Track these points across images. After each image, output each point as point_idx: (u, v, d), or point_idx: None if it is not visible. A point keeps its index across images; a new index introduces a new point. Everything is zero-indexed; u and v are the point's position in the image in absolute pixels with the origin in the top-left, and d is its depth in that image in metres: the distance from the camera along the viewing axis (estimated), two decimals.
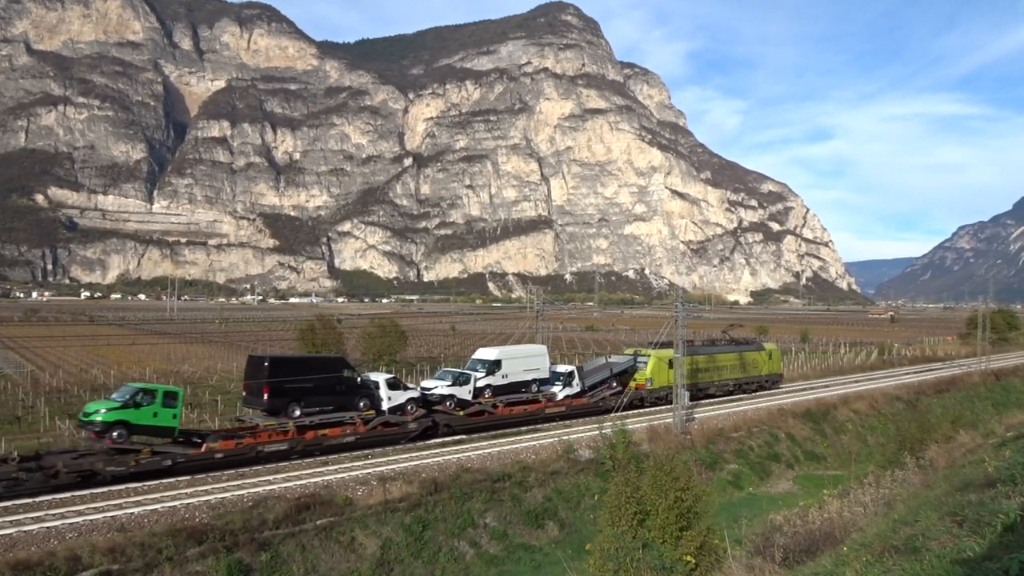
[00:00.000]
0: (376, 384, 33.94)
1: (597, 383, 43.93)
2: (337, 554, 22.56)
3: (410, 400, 34.73)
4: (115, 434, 26.06)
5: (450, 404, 36.25)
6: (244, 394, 32.68)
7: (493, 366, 39.39)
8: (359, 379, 33.77)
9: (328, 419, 31.65)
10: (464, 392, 37.13)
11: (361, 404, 32.93)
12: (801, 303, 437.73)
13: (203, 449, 28.22)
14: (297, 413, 30.73)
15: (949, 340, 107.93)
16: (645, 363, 46.39)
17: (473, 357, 41.58)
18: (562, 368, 43.77)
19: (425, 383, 38.00)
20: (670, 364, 44.74)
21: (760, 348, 56.90)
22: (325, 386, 31.89)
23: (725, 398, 51.12)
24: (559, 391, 41.88)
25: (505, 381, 39.33)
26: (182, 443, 28.40)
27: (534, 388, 40.59)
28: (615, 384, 44.54)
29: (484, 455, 32.18)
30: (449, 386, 36.94)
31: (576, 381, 42.82)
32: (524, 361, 41.11)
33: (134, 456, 26.43)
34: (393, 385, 34.54)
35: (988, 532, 8.29)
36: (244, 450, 29.19)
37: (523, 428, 38.72)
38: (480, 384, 38.03)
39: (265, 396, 30.08)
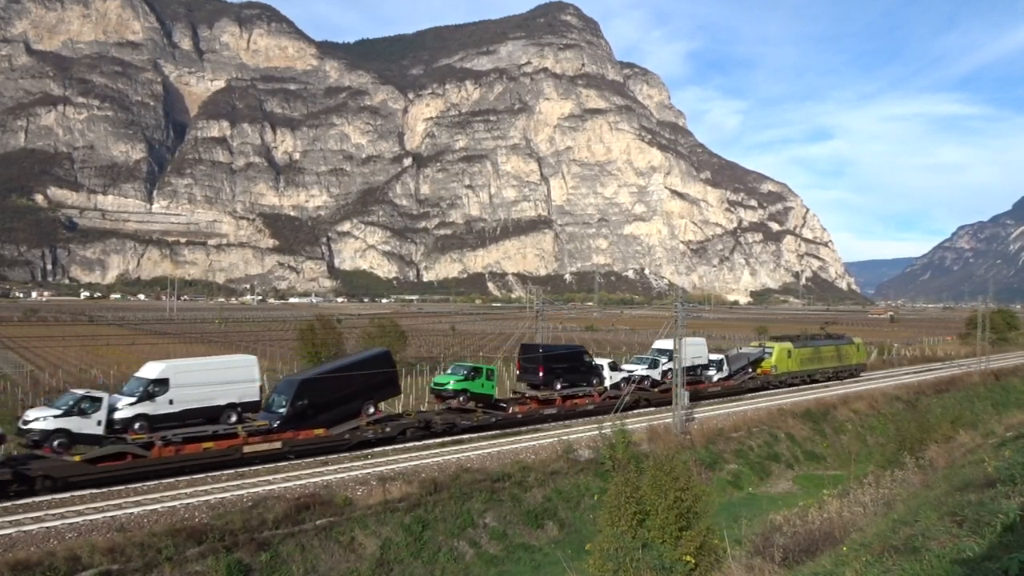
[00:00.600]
0: (601, 366, 43.61)
1: (738, 369, 53.10)
2: (337, 554, 22.57)
3: (623, 379, 44.22)
4: (460, 398, 36.58)
5: (647, 383, 45.40)
6: (518, 372, 42.65)
7: (672, 354, 47.05)
8: (594, 362, 43.40)
9: (575, 391, 41.46)
10: (656, 374, 46.71)
11: (595, 381, 42.69)
12: (801, 303, 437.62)
13: (509, 411, 38.21)
14: (558, 386, 40.63)
15: (949, 340, 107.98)
16: (771, 353, 56.34)
17: (653, 347, 51.58)
18: (715, 357, 52.92)
19: (625, 366, 47.54)
20: (789, 354, 57.18)
21: (850, 342, 66.42)
22: (574, 367, 42.30)
23: (725, 398, 51.33)
24: (714, 374, 51.49)
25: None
26: (495, 408, 38.09)
27: (698, 372, 49.03)
28: (751, 370, 54.15)
29: (484, 455, 32.19)
30: (646, 369, 46.58)
31: (725, 367, 52.31)
32: (692, 350, 48.70)
33: (473, 415, 36.51)
34: (613, 367, 44.69)
35: (988, 532, 8.29)
36: (532, 412, 39.04)
37: (523, 428, 39.07)
38: (664, 368, 47.00)
39: (541, 373, 39.91)
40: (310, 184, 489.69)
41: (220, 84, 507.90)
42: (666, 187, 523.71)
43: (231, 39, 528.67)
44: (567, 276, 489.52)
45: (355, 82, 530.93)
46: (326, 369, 34.33)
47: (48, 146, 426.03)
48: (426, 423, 35.31)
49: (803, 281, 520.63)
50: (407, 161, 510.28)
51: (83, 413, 25.72)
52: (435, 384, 38.43)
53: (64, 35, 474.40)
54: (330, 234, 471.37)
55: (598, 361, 44.17)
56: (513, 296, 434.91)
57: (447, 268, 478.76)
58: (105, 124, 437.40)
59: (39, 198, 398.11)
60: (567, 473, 30.70)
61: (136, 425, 26.78)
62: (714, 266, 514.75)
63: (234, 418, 28.96)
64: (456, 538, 25.12)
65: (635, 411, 43.70)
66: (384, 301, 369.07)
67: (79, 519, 21.67)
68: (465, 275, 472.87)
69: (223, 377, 29.31)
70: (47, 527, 20.84)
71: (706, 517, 18.84)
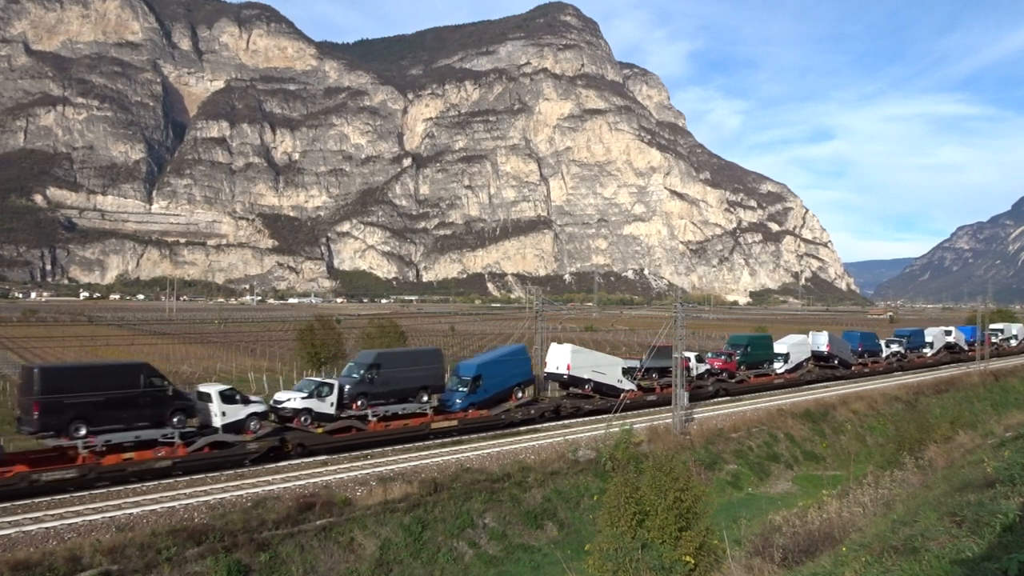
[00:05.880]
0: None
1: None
2: (336, 554, 22.56)
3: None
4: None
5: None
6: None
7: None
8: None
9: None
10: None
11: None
12: (800, 303, 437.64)
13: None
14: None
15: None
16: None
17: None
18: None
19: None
20: None
21: None
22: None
23: (724, 398, 51.33)
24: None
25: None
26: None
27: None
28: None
29: (484, 455, 32.19)
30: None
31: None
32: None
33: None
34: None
35: (987, 532, 8.29)
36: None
37: (522, 429, 39.02)
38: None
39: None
40: (309, 184, 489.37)
41: (219, 84, 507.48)
42: (665, 187, 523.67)
43: (230, 39, 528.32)
44: (566, 276, 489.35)
45: (354, 82, 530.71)
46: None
47: (47, 146, 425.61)
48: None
49: (802, 281, 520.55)
50: (406, 161, 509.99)
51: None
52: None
53: (63, 35, 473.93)
54: (329, 234, 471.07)
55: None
56: (512, 296, 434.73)
57: (446, 268, 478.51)
58: (104, 124, 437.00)
59: (38, 198, 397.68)
60: (567, 473, 30.69)
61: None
62: (713, 266, 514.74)
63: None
64: (455, 538, 25.12)
65: (634, 411, 43.51)
66: (383, 301, 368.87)
67: (78, 519, 21.67)
68: (464, 275, 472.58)
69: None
70: (46, 527, 20.84)
71: (705, 517, 18.86)
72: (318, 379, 35.33)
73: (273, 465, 29.55)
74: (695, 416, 42.83)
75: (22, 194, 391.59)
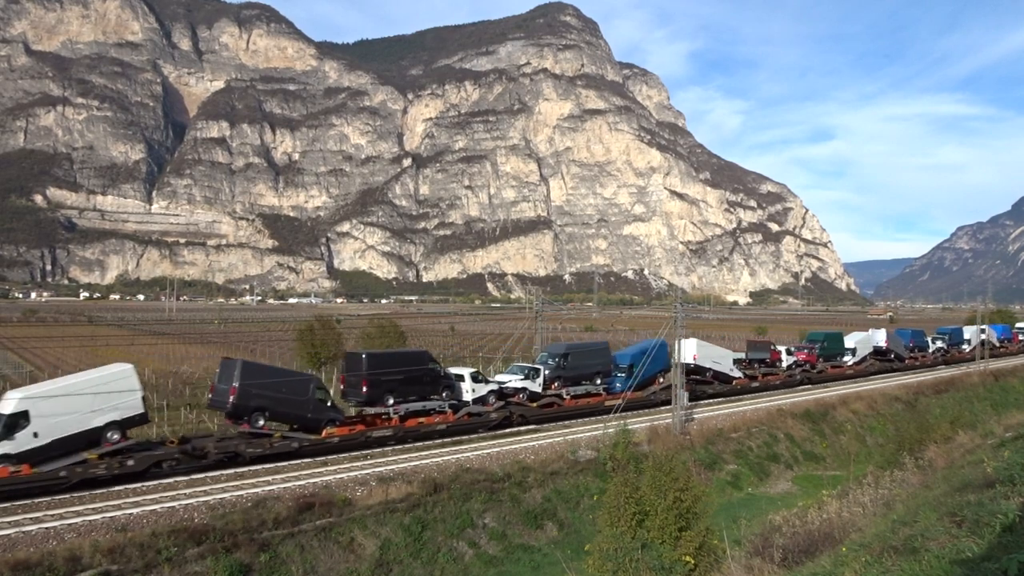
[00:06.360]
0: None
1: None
2: (336, 555, 22.57)
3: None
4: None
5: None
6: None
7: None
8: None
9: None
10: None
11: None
12: (800, 304, 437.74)
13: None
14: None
15: None
16: None
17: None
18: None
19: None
20: None
21: None
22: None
23: (724, 398, 51.37)
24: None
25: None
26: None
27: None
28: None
29: (484, 455, 32.20)
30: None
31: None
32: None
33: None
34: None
35: (987, 532, 8.30)
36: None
37: (522, 429, 39.10)
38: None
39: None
40: (309, 184, 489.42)
41: (219, 85, 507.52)
42: (665, 188, 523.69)
43: (230, 40, 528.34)
44: (566, 276, 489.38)
45: (354, 82, 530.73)
46: None
47: (47, 147, 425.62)
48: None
49: (802, 282, 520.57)
50: (406, 162, 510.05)
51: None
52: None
53: (63, 35, 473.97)
54: (329, 235, 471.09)
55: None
56: (512, 297, 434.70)
57: (446, 269, 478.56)
58: (104, 124, 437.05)
59: (38, 198, 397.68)
60: (567, 473, 30.70)
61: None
62: (713, 266, 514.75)
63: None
64: (455, 538, 25.12)
65: (634, 411, 43.68)
66: (383, 302, 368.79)
67: (78, 519, 21.67)
68: (464, 276, 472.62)
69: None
70: (46, 528, 20.83)
71: (705, 517, 18.86)
72: (527, 364, 43.64)
73: (273, 465, 29.58)
74: (695, 416, 42.86)
75: (22, 194, 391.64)
